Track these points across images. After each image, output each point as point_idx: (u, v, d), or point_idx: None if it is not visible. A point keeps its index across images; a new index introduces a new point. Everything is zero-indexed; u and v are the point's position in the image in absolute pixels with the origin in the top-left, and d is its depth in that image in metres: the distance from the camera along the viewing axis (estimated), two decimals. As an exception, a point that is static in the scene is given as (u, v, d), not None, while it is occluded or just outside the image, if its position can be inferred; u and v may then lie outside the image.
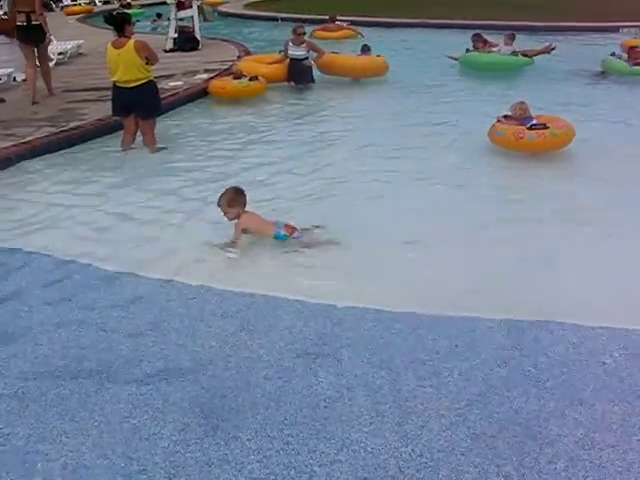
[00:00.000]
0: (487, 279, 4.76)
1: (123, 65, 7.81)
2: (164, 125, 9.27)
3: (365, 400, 3.49)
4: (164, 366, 3.86)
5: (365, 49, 12.52)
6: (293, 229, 5.37)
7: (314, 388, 3.59)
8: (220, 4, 29.77)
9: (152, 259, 5.30)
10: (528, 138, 7.27)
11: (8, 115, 10.04)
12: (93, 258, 5.35)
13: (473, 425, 3.29)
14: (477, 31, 13.74)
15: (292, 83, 11.78)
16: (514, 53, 12.72)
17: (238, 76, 10.76)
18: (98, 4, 35.05)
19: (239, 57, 14.00)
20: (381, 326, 4.19)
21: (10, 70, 12.50)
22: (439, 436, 3.24)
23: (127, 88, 7.94)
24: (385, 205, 6.21)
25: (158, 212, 6.28)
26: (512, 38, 13.06)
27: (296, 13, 22.37)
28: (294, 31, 11.75)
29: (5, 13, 21.61)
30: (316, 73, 11.93)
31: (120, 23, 7.83)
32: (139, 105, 8.05)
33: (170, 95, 10.73)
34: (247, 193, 5.47)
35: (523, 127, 7.35)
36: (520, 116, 7.57)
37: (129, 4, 32.57)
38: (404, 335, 4.08)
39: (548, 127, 7.30)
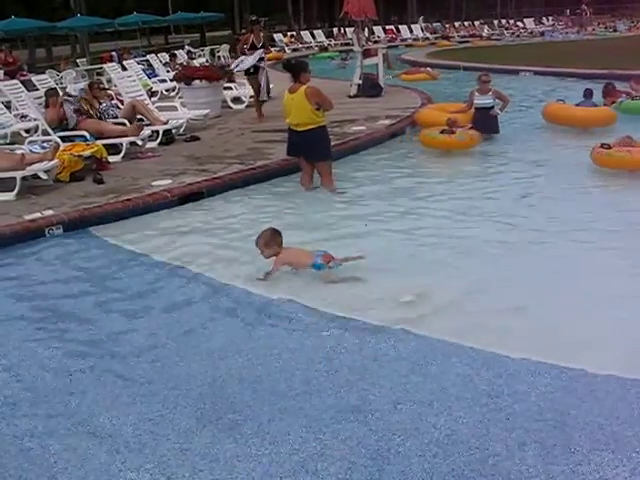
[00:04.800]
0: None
1: (294, 109, 8.22)
2: (345, 168, 9.54)
3: (535, 460, 3.35)
4: (334, 402, 3.93)
5: (587, 93, 12.14)
6: (330, 258, 5.53)
7: (483, 441, 3.50)
8: None
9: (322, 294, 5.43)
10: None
11: (202, 152, 10.81)
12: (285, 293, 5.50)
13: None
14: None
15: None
16: None
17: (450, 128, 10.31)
18: (287, 51, 37.52)
19: (422, 104, 14.12)
20: (556, 383, 4.02)
21: (207, 111, 13.42)
22: (616, 508, 3.06)
23: (297, 131, 8.34)
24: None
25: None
26: None
27: (477, 62, 22.34)
28: (479, 79, 11.67)
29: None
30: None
31: (296, 70, 8.29)
32: (307, 149, 8.40)
33: (352, 139, 11.05)
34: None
35: (603, 149, 8.66)
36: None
37: (326, 48, 36.61)
38: (580, 395, 3.89)
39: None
